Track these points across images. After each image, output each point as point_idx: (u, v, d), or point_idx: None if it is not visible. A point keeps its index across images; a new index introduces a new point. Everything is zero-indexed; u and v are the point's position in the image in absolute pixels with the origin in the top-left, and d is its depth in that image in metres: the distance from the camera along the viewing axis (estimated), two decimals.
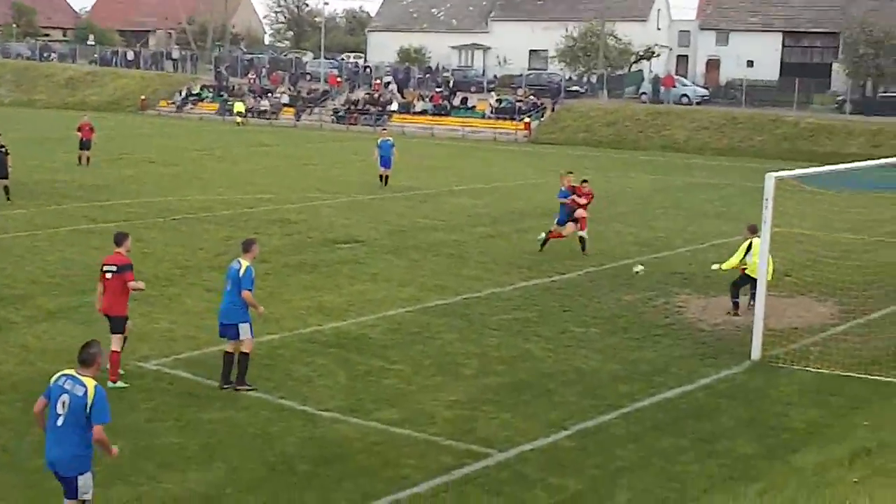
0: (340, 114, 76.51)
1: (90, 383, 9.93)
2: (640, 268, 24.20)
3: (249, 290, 15.32)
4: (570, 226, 26.74)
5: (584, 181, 27.58)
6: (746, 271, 20.37)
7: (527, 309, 20.89)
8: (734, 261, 20.79)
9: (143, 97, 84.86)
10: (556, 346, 18.25)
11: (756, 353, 17.69)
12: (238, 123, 74.25)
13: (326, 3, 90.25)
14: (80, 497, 10.09)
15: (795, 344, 18.64)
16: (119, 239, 15.90)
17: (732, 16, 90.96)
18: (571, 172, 28.00)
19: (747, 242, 20.37)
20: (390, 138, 41.28)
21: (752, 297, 19.55)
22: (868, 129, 60.68)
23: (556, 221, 27.07)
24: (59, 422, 9.92)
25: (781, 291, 21.86)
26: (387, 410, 14.62)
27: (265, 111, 78.70)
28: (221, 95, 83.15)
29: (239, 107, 76.99)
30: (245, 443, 13.36)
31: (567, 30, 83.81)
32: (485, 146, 64.26)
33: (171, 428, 13.74)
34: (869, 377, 16.63)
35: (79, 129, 44.26)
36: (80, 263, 23.50)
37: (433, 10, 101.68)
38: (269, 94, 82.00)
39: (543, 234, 26.97)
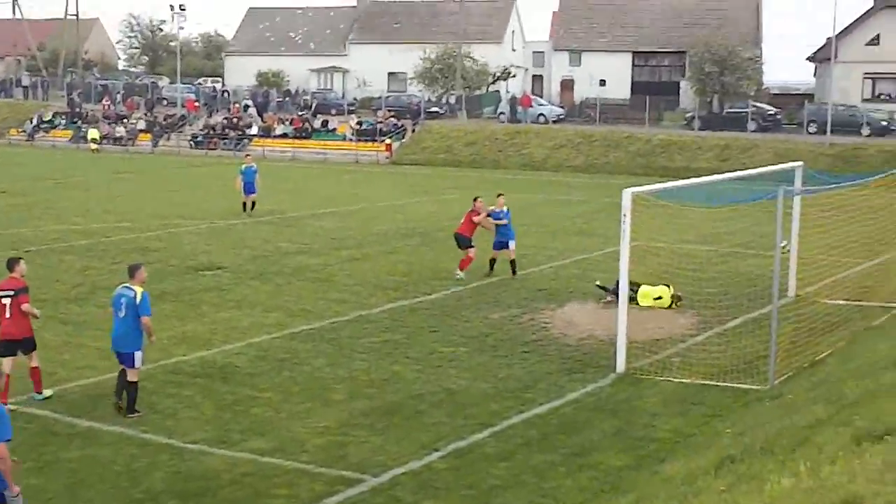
0: (199, 139, 75.53)
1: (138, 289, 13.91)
2: (785, 242, 21.92)
3: (148, 315, 15.21)
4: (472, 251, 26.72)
5: (476, 199, 27.71)
6: None
7: (395, 331, 20.88)
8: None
9: None
10: (425, 367, 18.27)
11: (621, 365, 18.02)
12: (93, 150, 72.62)
13: (182, 28, 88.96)
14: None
15: (658, 355, 19.06)
16: (11, 264, 16.10)
17: (583, 37, 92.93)
18: (502, 194, 27.88)
19: None
20: (254, 164, 40.55)
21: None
22: (717, 143, 62.61)
23: (496, 243, 26.95)
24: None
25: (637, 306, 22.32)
26: (256, 440, 14.42)
27: (121, 138, 77.16)
28: (75, 122, 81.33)
29: (93, 133, 75.33)
30: (109, 481, 12.99)
31: (424, 52, 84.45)
32: (347, 168, 64.15)
33: (31, 469, 13.21)
34: (728, 385, 17.08)
35: None
36: None
37: (290, 34, 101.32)
38: (125, 121, 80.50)
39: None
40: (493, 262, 26.87)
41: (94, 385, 16.82)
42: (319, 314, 22.22)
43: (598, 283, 24.23)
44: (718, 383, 17.22)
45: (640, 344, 19.42)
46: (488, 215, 26.88)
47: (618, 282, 21.43)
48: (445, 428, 15.03)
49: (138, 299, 15.27)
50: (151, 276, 25.84)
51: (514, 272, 26.70)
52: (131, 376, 15.39)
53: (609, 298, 22.88)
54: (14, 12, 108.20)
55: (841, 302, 23.03)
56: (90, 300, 23.25)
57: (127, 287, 15.52)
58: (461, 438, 14.56)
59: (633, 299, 22.65)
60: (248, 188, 39.41)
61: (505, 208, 27.03)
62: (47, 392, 16.02)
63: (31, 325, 16.04)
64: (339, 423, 15.20)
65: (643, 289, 22.99)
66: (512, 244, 26.86)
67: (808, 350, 18.56)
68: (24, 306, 15.70)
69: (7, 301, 15.66)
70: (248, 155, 45.17)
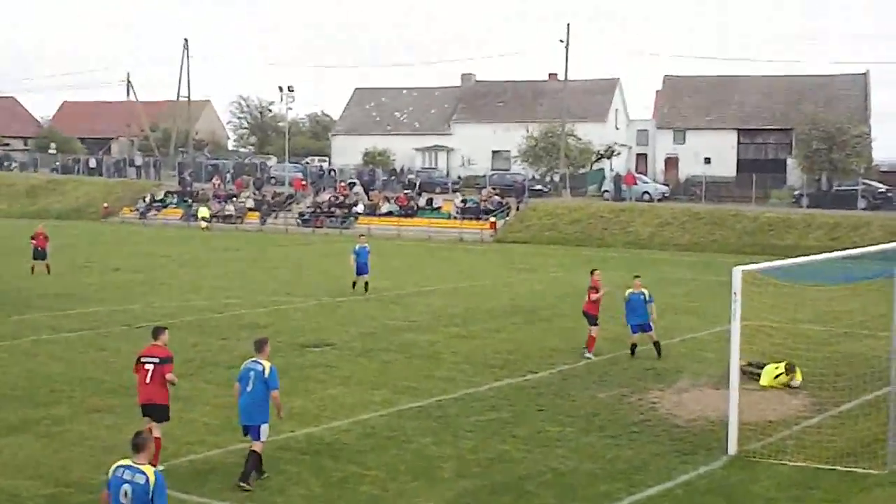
0: (306, 217, 76.71)
1: (149, 470, 10.50)
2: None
3: (277, 389, 15.57)
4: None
5: (594, 270, 27.91)
6: None
7: (501, 409, 20.76)
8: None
9: (105, 204, 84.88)
10: (532, 446, 18.10)
11: (732, 447, 17.62)
12: (203, 228, 74.25)
13: (290, 108, 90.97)
14: None
15: (771, 437, 18.60)
16: (157, 333, 16.89)
17: (688, 115, 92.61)
18: (638, 276, 27.65)
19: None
20: (367, 245, 39.85)
21: None
22: (826, 222, 61.58)
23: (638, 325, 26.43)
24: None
25: (753, 385, 21.90)
26: None
27: (230, 216, 78.82)
28: (186, 201, 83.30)
29: (203, 212, 77.11)
30: None
31: (528, 130, 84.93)
32: (451, 246, 64.53)
33: None
34: (845, 469, 16.59)
35: (33, 238, 43.94)
36: (42, 375, 23.20)
37: (396, 114, 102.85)
38: (234, 199, 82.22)
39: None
40: (633, 346, 26.54)
41: (202, 460, 16.97)
42: (426, 392, 22.21)
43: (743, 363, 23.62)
44: (835, 467, 16.73)
45: (753, 426, 18.98)
46: (626, 300, 26.57)
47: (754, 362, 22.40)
48: None
49: (267, 373, 15.66)
50: None
51: (658, 353, 26.39)
52: (256, 447, 15.73)
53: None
54: (128, 94, 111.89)
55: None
56: (199, 375, 23.58)
57: (255, 361, 15.92)
58: None
59: (757, 378, 22.54)
60: (361, 269, 38.92)
61: (645, 291, 26.55)
62: (160, 467, 16.00)
63: (169, 394, 16.64)
64: (447, 502, 15.09)
65: (767, 368, 22.77)
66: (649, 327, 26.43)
67: None
68: (169, 375, 16.37)
69: (150, 367, 16.40)
70: (361, 235, 44.47)
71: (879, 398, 20.44)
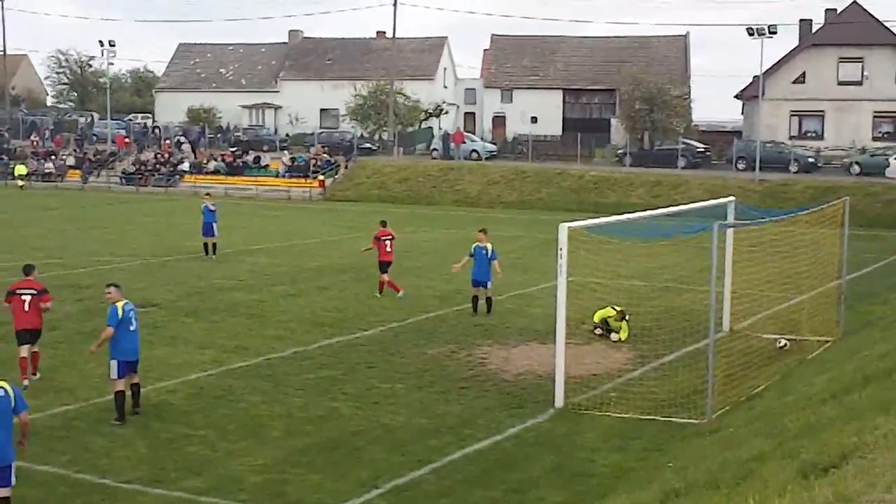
0: (130, 175, 74.70)
1: (5, 384, 11.73)
2: (783, 342, 22.61)
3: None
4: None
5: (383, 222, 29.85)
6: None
7: (331, 367, 20.69)
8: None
9: None
10: (363, 403, 18.10)
11: (559, 400, 18.00)
12: (20, 187, 71.54)
13: (111, 64, 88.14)
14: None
15: (595, 390, 19.09)
16: (28, 269, 19.49)
17: (515, 74, 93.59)
18: (484, 229, 27.52)
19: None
20: (214, 203, 38.13)
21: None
22: (648, 180, 63.29)
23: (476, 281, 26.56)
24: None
25: (579, 339, 22.38)
26: (192, 479, 14.14)
27: (50, 174, 76.15)
28: (2, 158, 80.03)
29: (20, 169, 74.35)
30: None
31: (356, 88, 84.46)
32: (280, 205, 63.88)
33: None
34: (667, 419, 17.13)
35: None
36: None
37: (221, 70, 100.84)
38: (54, 157, 79.41)
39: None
40: (475, 300, 26.68)
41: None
42: (255, 351, 21.97)
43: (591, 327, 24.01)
44: (656, 417, 17.27)
45: (578, 379, 19.44)
46: (471, 255, 26.68)
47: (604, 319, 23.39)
48: (384, 465, 14.88)
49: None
50: (82, 314, 25.63)
51: (489, 309, 26.54)
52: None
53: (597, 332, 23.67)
54: None
55: (774, 336, 23.25)
56: (14, 339, 22.70)
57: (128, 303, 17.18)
58: (400, 475, 14.41)
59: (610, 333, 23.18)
60: (207, 230, 37.18)
61: (489, 245, 26.72)
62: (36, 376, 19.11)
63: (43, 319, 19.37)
64: (277, 460, 14.98)
65: (602, 310, 23.85)
66: (490, 283, 26.60)
67: (745, 384, 18.70)
68: (46, 304, 19.23)
69: (28, 298, 19.00)
70: (207, 193, 41.75)
71: (698, 350, 21.16)
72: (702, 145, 72.21)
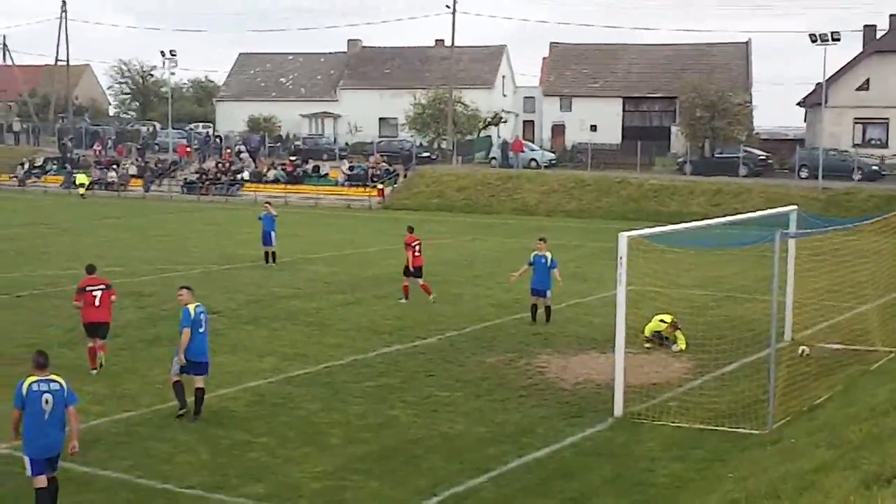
0: (191, 184, 75.50)
1: (59, 378, 12.74)
2: (803, 348, 22.63)
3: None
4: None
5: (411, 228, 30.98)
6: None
7: (390, 375, 20.76)
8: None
9: None
10: (422, 411, 18.14)
11: (618, 409, 17.91)
12: (82, 196, 72.58)
13: (172, 74, 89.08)
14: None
15: (655, 399, 18.95)
16: (91, 268, 21.84)
17: (574, 82, 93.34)
18: (543, 238, 27.48)
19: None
20: (274, 211, 38.01)
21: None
22: (709, 188, 62.80)
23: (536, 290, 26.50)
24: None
25: (638, 348, 22.26)
26: (252, 485, 14.25)
27: (113, 183, 77.16)
28: (66, 168, 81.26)
29: (82, 179, 75.37)
30: None
31: (415, 97, 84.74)
32: (339, 213, 64.25)
33: None
34: (727, 429, 16.98)
35: None
36: None
37: (281, 80, 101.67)
38: (117, 166, 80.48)
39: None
40: (533, 309, 26.63)
41: (87, 430, 16.54)
42: (314, 359, 22.10)
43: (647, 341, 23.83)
44: (717, 427, 17.11)
45: (638, 388, 19.32)
46: (530, 263, 26.65)
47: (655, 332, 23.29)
48: (442, 473, 14.89)
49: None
50: (144, 321, 25.93)
51: (548, 318, 26.48)
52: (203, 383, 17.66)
53: (648, 346, 23.34)
54: (4, 58, 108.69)
55: (837, 346, 22.97)
56: (83, 345, 22.97)
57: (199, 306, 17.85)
58: (458, 484, 14.41)
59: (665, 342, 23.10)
60: (266, 238, 37.14)
61: (548, 254, 26.68)
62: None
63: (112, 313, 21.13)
64: (336, 467, 15.05)
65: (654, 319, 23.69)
66: (549, 292, 26.54)
67: (806, 394, 18.48)
68: (113, 298, 21.10)
69: (98, 293, 20.76)
70: (267, 202, 41.24)
71: (759, 360, 20.95)
72: (763, 153, 71.51)
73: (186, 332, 17.30)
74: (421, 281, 29.51)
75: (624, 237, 17.96)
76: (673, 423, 17.44)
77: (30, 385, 12.49)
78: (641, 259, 20.30)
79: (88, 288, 20.85)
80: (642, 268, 21.07)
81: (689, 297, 29.01)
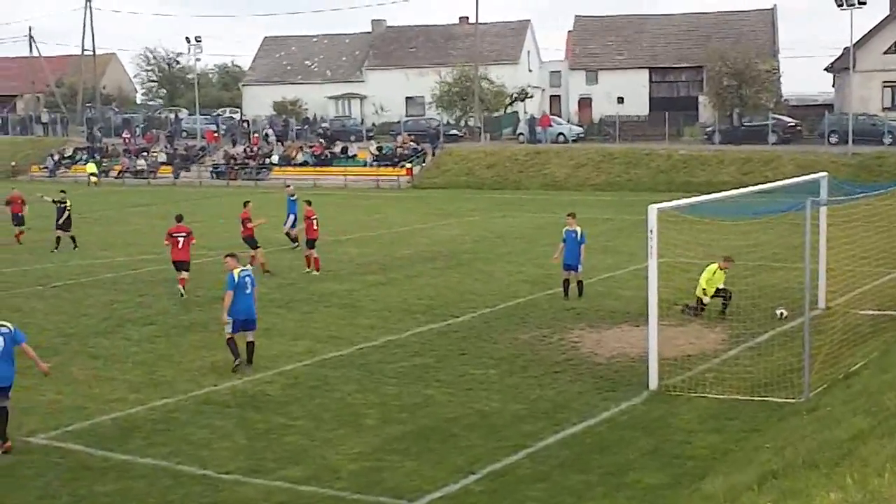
0: (219, 169, 75.79)
1: (8, 324, 15.41)
2: (781, 311, 22.98)
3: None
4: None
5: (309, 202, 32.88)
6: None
7: (424, 355, 20.80)
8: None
9: (13, 163, 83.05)
10: (457, 390, 18.18)
11: (653, 382, 17.88)
12: (93, 184, 72.91)
13: (198, 60, 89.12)
14: None
15: (690, 371, 18.92)
16: (180, 217, 28.87)
17: (600, 55, 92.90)
18: (572, 214, 27.30)
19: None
20: (295, 194, 37.78)
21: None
22: (738, 157, 62.49)
23: (567, 265, 26.37)
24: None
25: (672, 321, 22.20)
26: (290, 468, 14.33)
27: (142, 170, 77.58)
28: (95, 157, 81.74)
29: (90, 167, 76.00)
30: None
31: (441, 75, 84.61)
32: (368, 194, 64.35)
33: None
34: (763, 399, 16.93)
35: (7, 203, 41.09)
36: None
37: (306, 62, 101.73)
38: (146, 154, 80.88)
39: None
40: (566, 284, 26.55)
41: (125, 417, 16.79)
42: (348, 340, 22.18)
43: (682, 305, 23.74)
44: (753, 398, 17.06)
45: (672, 361, 19.29)
46: (564, 240, 26.54)
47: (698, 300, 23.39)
48: (480, 450, 14.93)
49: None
50: (179, 308, 26.09)
51: (580, 293, 26.41)
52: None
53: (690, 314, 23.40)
54: (31, 50, 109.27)
55: (871, 312, 22.83)
56: (118, 333, 23.29)
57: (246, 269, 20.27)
58: (496, 461, 14.45)
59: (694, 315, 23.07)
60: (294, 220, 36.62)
61: (578, 229, 26.57)
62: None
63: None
64: (373, 448, 15.12)
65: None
66: (580, 266, 26.43)
67: (842, 361, 18.39)
68: (193, 241, 27.98)
69: (181, 238, 27.62)
70: (288, 185, 41.42)
71: (794, 329, 20.88)
72: (792, 120, 70.97)
73: (228, 294, 19.48)
74: (315, 253, 31.68)
75: (653, 209, 17.89)
76: (709, 394, 17.40)
77: None
78: (672, 230, 20.20)
79: (175, 234, 27.65)
80: (673, 239, 20.96)
81: None
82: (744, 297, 23.96)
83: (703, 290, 23.65)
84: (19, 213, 40.75)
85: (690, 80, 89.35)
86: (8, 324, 15.40)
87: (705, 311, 23.58)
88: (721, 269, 23.86)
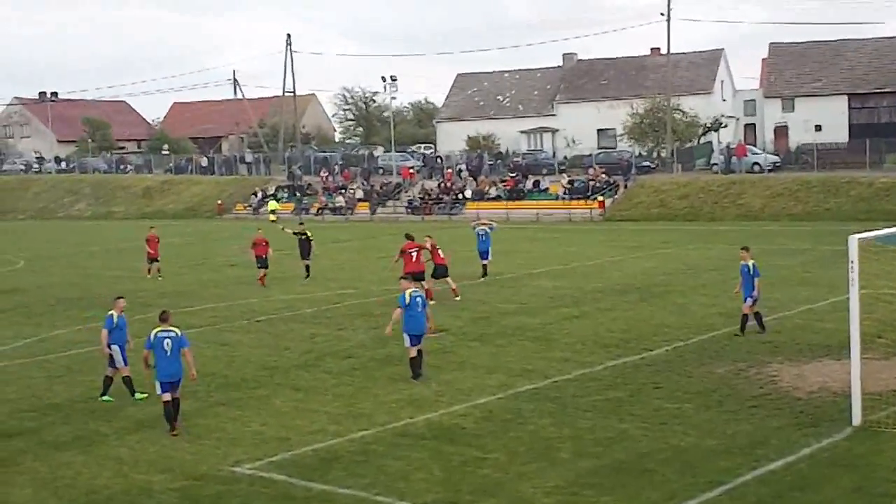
0: (415, 205, 77.19)
1: (176, 329, 18.35)
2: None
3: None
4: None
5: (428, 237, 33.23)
6: None
7: (618, 388, 20.72)
8: None
9: (219, 202, 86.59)
10: (651, 424, 18.03)
11: (857, 418, 17.33)
12: (273, 221, 74.97)
13: (394, 98, 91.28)
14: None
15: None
16: (409, 237, 32.42)
17: (796, 82, 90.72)
18: (746, 248, 26.65)
19: None
20: (485, 227, 39.16)
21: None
22: None
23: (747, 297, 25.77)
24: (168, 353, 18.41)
25: (875, 354, 21.47)
26: (486, 500, 14.49)
27: (341, 207, 79.72)
28: (296, 195, 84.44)
29: (273, 205, 78.61)
30: None
31: (632, 107, 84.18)
32: (560, 227, 64.45)
33: None
34: None
35: (253, 246, 41.27)
36: None
37: (498, 98, 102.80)
38: (343, 190, 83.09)
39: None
40: (744, 318, 26.03)
41: (325, 449, 17.27)
42: (541, 373, 22.27)
43: None
44: None
45: (877, 395, 18.63)
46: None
47: None
48: (675, 486, 14.76)
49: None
50: (376, 342, 26.63)
51: (760, 326, 25.79)
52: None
53: None
54: (235, 92, 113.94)
55: None
56: (318, 366, 23.99)
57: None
58: (693, 497, 14.26)
59: None
60: (482, 253, 38.38)
61: (750, 262, 25.94)
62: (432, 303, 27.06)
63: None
64: (568, 482, 15.13)
65: None
66: (749, 299, 25.94)
67: None
68: (423, 255, 31.75)
69: (414, 253, 31.35)
70: (478, 217, 43.27)
71: None
72: None
73: (397, 311, 21.81)
74: (427, 285, 31.22)
75: (854, 239, 17.41)
76: None
77: (156, 333, 18.19)
78: (874, 261, 19.59)
79: (409, 250, 31.43)
80: (875, 270, 20.31)
81: None
82: None
83: None
84: (263, 256, 40.13)
85: (892, 105, 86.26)
86: (176, 329, 18.33)
87: None
88: None
